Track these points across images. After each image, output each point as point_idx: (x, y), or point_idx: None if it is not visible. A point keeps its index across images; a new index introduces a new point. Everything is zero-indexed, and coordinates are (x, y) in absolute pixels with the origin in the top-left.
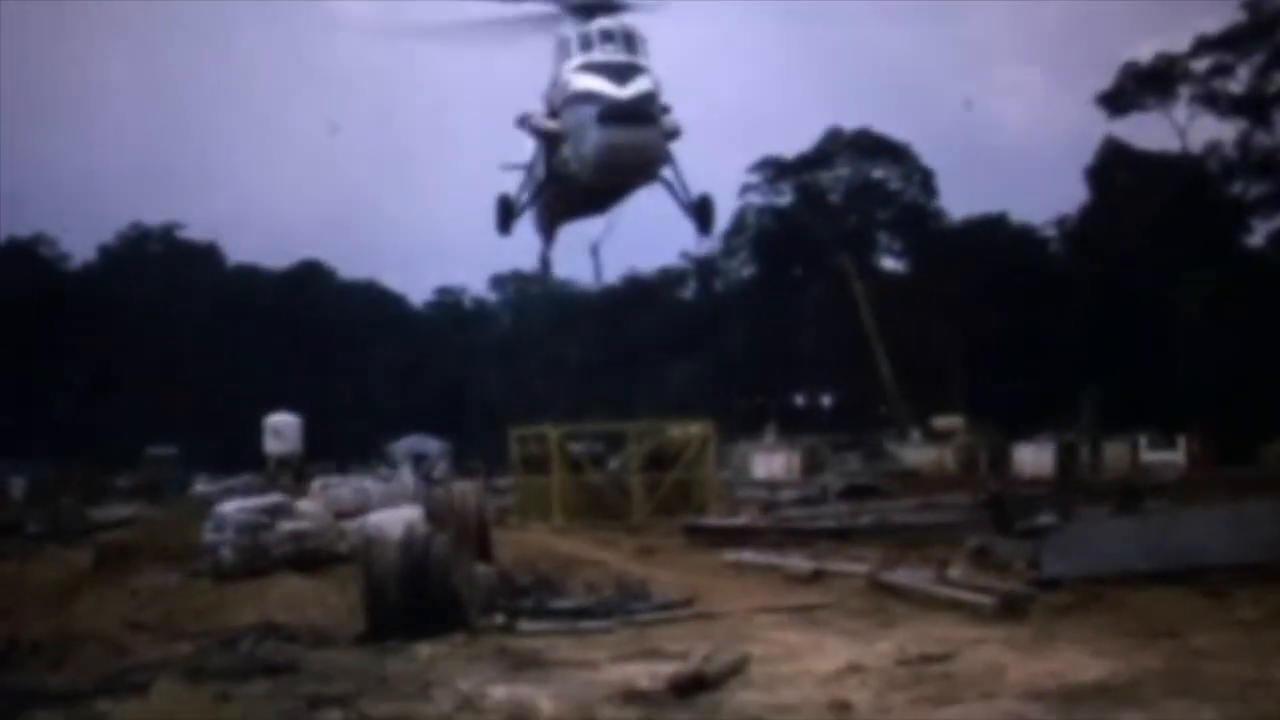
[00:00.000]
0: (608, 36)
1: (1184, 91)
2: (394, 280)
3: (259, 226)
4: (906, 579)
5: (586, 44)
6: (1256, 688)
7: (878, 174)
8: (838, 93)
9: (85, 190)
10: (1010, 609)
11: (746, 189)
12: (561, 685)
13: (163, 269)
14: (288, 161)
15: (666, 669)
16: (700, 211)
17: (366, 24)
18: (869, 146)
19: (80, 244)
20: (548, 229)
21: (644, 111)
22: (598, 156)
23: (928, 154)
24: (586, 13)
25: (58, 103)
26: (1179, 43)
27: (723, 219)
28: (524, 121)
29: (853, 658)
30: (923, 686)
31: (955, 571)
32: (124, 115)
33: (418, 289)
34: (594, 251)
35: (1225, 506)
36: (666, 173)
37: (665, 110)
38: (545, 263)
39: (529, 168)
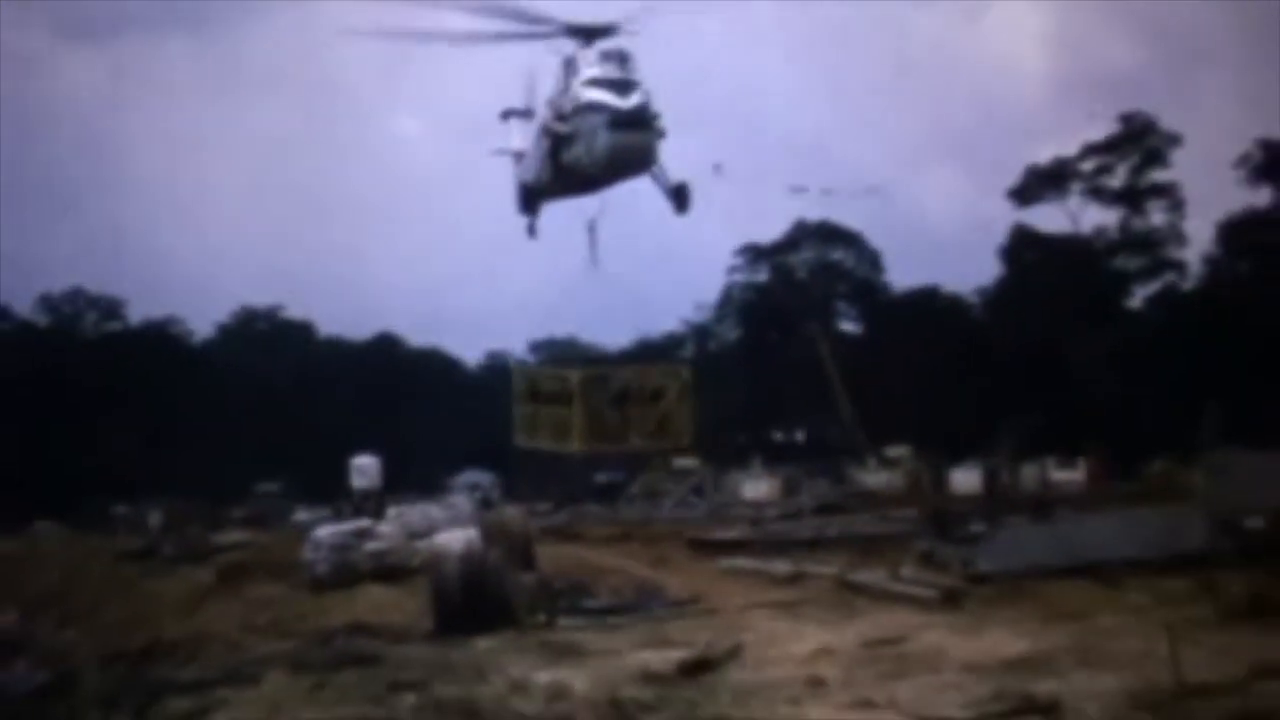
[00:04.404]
0: (608, 57)
1: (1075, 186)
2: (452, 344)
3: (344, 303)
4: (867, 578)
5: (592, 63)
6: (1146, 659)
7: (836, 255)
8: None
9: (203, 278)
10: (950, 600)
11: (732, 269)
12: (593, 669)
13: (266, 343)
14: (370, 242)
15: (676, 654)
16: (678, 195)
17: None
18: (829, 234)
19: (200, 323)
20: (536, 207)
21: (643, 119)
22: (608, 156)
23: (876, 238)
24: (584, 36)
25: (179, 197)
26: (1069, 147)
27: (711, 294)
28: (509, 114)
29: (825, 642)
30: (882, 664)
31: (906, 571)
32: (232, 208)
33: (471, 350)
34: (591, 229)
35: (1118, 513)
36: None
37: (656, 116)
38: (533, 230)
39: (527, 155)
